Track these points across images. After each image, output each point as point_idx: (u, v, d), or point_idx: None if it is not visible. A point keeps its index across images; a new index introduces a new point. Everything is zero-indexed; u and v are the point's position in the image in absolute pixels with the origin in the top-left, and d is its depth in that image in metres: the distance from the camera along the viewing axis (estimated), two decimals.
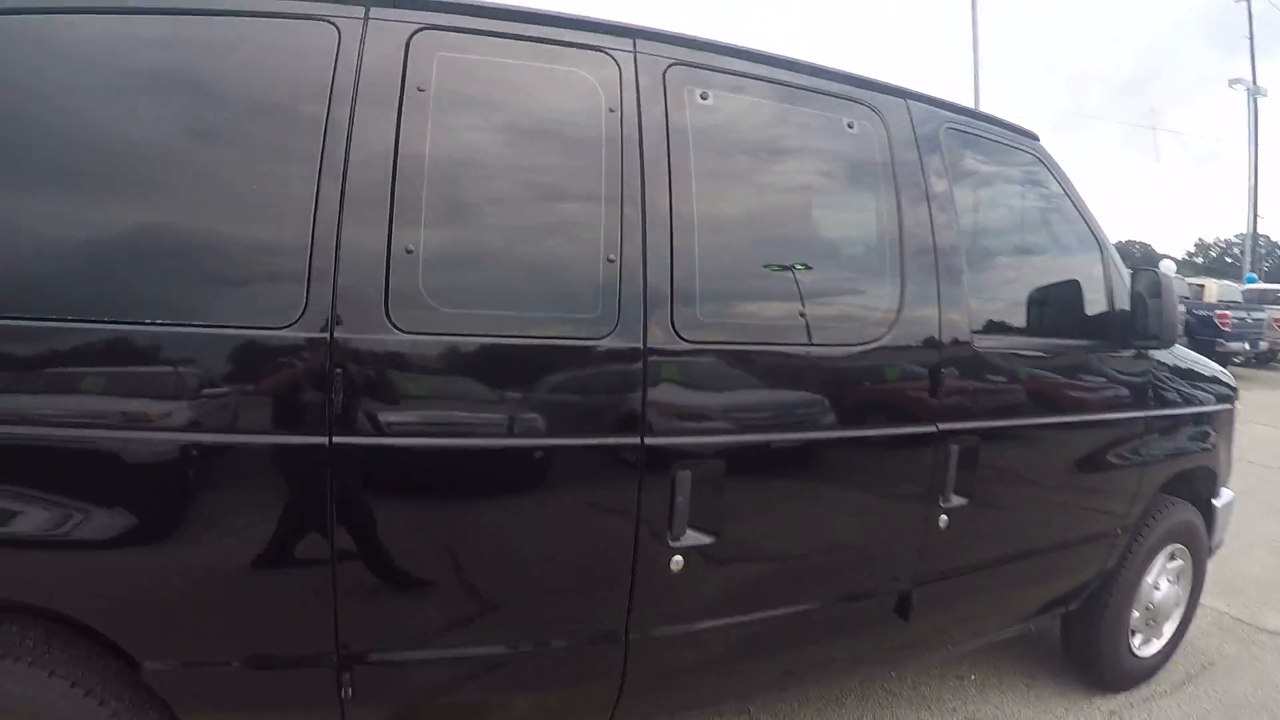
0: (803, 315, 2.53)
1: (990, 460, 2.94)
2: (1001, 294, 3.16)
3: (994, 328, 3.02)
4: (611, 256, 2.27)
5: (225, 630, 2.04)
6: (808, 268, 2.61)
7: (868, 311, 2.68)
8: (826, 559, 2.72)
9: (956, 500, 2.86)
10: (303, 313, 1.97)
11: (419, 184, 2.14)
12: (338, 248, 2.01)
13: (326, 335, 1.99)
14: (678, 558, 2.38)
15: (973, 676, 4.05)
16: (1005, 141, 3.26)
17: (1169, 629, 4.12)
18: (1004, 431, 2.99)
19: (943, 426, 2.77)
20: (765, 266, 2.58)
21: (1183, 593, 4.13)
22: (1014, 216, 3.42)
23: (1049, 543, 3.31)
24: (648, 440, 2.29)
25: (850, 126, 2.74)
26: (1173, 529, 3.87)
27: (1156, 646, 4.07)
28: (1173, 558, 4.00)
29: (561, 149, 2.38)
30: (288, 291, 1.99)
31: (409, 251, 2.09)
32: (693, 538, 2.39)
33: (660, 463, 2.32)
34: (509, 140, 2.34)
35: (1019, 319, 3.18)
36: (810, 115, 2.72)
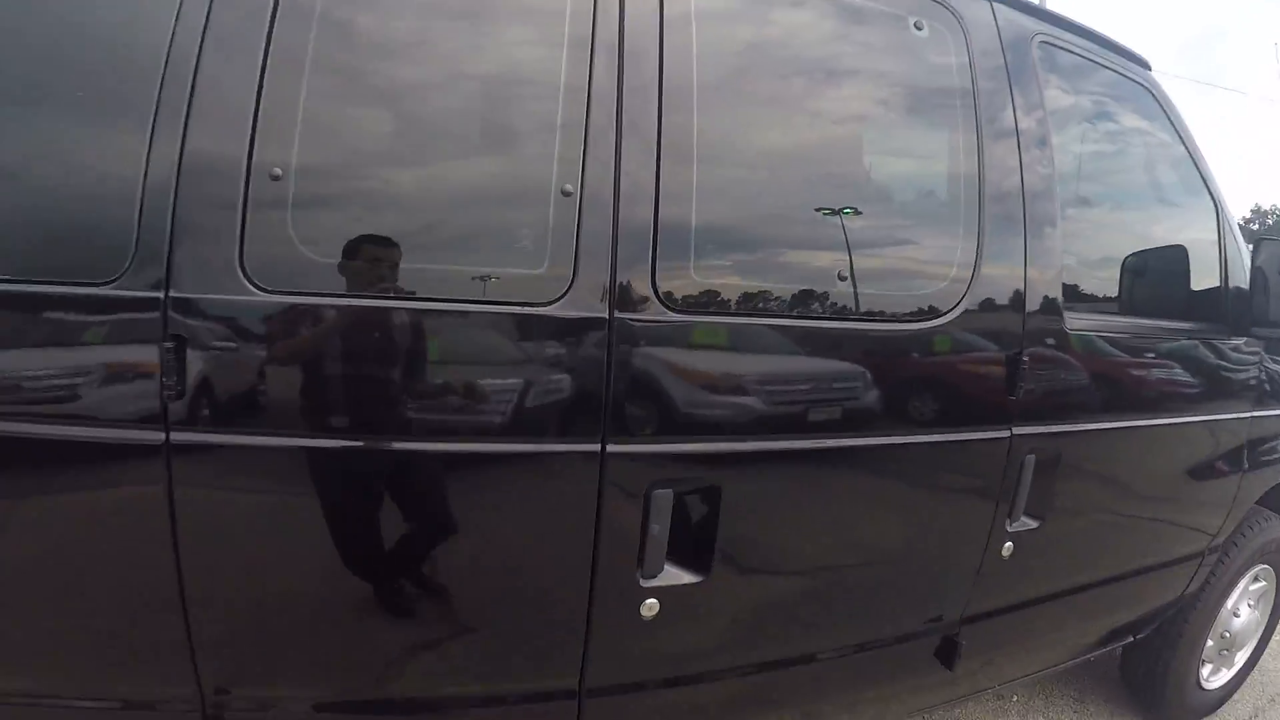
0: (842, 279, 1.70)
1: (1072, 472, 2.12)
2: (1095, 260, 2.28)
3: (1087, 302, 2.17)
4: (568, 187, 1.48)
5: (59, 663, 1.52)
6: (855, 212, 1.76)
7: (930, 277, 1.83)
8: (853, 598, 1.94)
9: (1026, 523, 2.06)
10: (129, 263, 1.35)
11: (296, 80, 1.42)
12: (179, 170, 1.36)
13: (160, 294, 1.36)
14: (651, 601, 1.62)
15: (1015, 696, 3.29)
16: (1110, 66, 2.34)
17: (1241, 658, 3.30)
18: (1092, 437, 2.14)
19: (1019, 430, 1.94)
20: (790, 211, 1.75)
21: (1261, 618, 3.30)
22: (1113, 162, 2.50)
23: (1127, 568, 2.48)
24: (611, 446, 1.51)
25: (918, 28, 1.88)
26: (1263, 547, 3.02)
27: (1226, 677, 3.26)
28: (1256, 579, 3.17)
29: (503, 36, 1.57)
30: (108, 233, 1.37)
31: (275, 178, 1.39)
32: (672, 575, 1.63)
33: (629, 477, 1.55)
34: (427, 21, 1.53)
35: (1114, 292, 2.31)
36: (866, 10, 1.85)
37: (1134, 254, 2.36)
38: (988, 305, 1.86)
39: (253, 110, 1.38)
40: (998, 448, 1.92)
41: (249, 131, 1.38)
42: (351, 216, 1.45)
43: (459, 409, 1.47)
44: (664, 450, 1.57)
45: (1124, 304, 2.32)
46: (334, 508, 1.47)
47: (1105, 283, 2.31)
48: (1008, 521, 2.02)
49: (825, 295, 1.69)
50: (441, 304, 1.44)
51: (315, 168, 1.43)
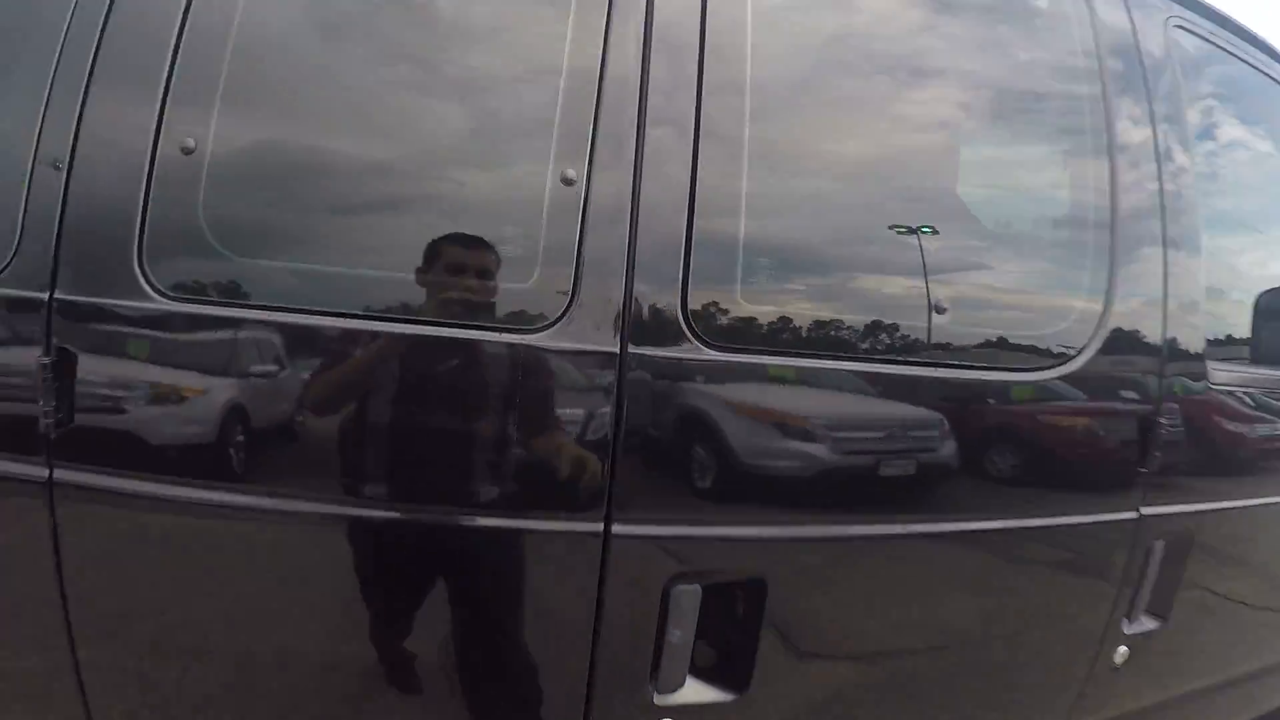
0: (939, 311, 1.22)
1: (1205, 560, 1.61)
2: (1233, 298, 1.81)
3: (1228, 350, 1.67)
4: (570, 174, 1.07)
5: None
6: (932, 232, 1.30)
7: (1051, 313, 1.35)
8: (924, 715, 1.47)
9: (1144, 624, 1.57)
10: (10, 258, 1.08)
11: (223, 31, 1.08)
12: (74, 146, 1.06)
13: (44, 296, 1.06)
14: None
15: None
16: (1248, 60, 1.87)
17: None
18: (1230, 517, 1.63)
19: (1148, 511, 1.45)
20: (870, 228, 1.30)
21: None
22: (1248, 175, 1.99)
23: (1251, 669, 1.96)
24: (618, 527, 1.08)
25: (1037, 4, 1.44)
26: None
27: None
28: None
29: None
30: None
31: (187, 152, 1.06)
32: (697, 692, 1.18)
33: (641, 567, 1.12)
34: None
35: (1244, 336, 1.82)
36: None
37: (1269, 290, 1.87)
38: (1120, 350, 1.37)
39: (169, 56, 1.05)
40: (1121, 533, 1.44)
41: (160, 98, 1.05)
42: (280, 205, 1.09)
43: (411, 466, 1.07)
44: (690, 534, 1.13)
45: (1255, 351, 1.82)
46: (247, 577, 1.11)
47: (1236, 325, 1.83)
48: (1125, 622, 1.54)
49: (913, 333, 1.23)
50: (391, 324, 1.05)
51: (239, 140, 1.08)
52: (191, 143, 1.04)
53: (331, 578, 1.09)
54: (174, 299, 1.05)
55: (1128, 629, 1.55)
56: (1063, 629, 1.49)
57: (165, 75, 1.06)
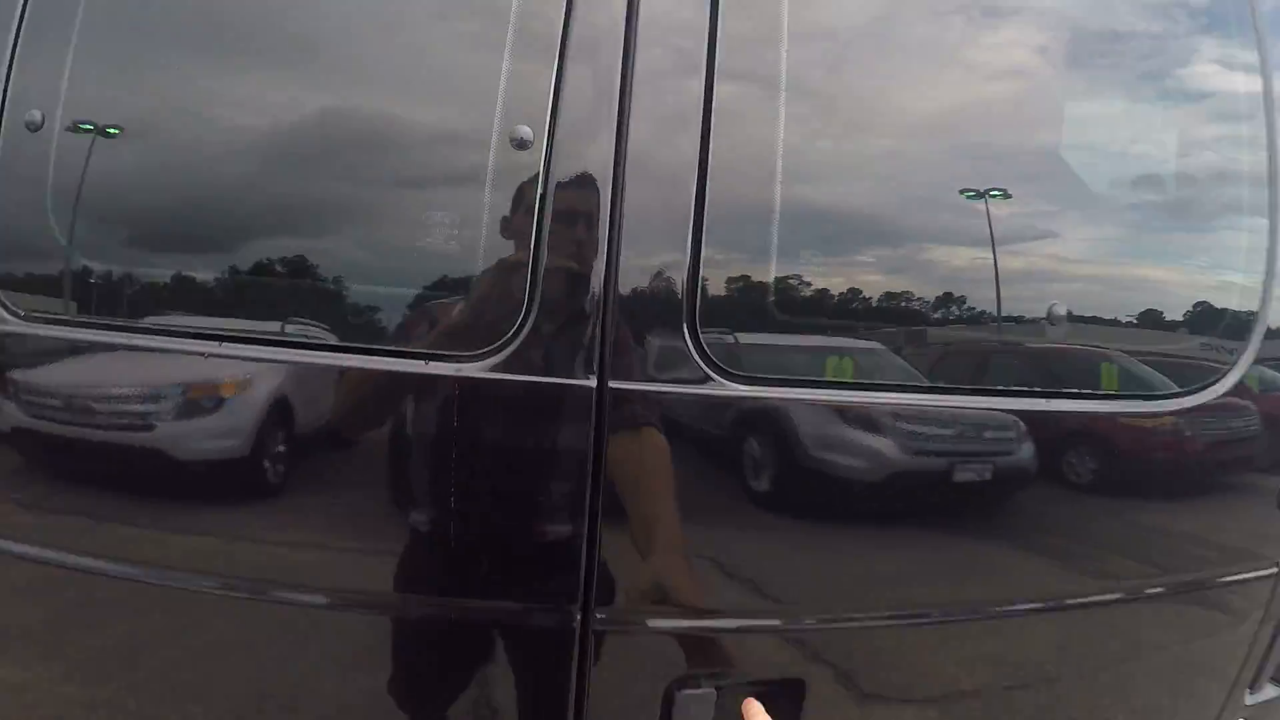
0: (1054, 323, 0.85)
1: None
2: None
3: None
4: (524, 133, 0.74)
5: None
6: (1005, 195, 0.93)
7: (1191, 317, 0.97)
8: None
9: (1268, 692, 1.25)
10: None
11: None
12: None
13: None
14: None
15: None
16: None
17: None
18: None
19: None
20: (947, 199, 0.91)
21: None
22: None
23: None
24: (602, 618, 0.77)
25: None
26: None
27: None
28: None
29: None
30: None
31: (34, 128, 0.80)
32: None
33: (632, 668, 0.82)
34: None
35: None
36: None
37: None
38: (1275, 359, 1.03)
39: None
40: (1256, 592, 1.10)
41: (8, 55, 0.80)
42: (154, 200, 0.80)
43: (300, 534, 0.78)
44: (702, 626, 0.82)
45: None
46: (110, 649, 0.86)
47: None
48: (1250, 689, 1.21)
49: (1014, 354, 0.89)
50: (281, 349, 0.76)
51: (99, 115, 0.80)
52: (39, 115, 0.77)
53: (222, 668, 0.82)
54: (27, 319, 0.78)
55: (1250, 699, 1.23)
56: (1176, 704, 1.17)
57: (15, 23, 0.79)
